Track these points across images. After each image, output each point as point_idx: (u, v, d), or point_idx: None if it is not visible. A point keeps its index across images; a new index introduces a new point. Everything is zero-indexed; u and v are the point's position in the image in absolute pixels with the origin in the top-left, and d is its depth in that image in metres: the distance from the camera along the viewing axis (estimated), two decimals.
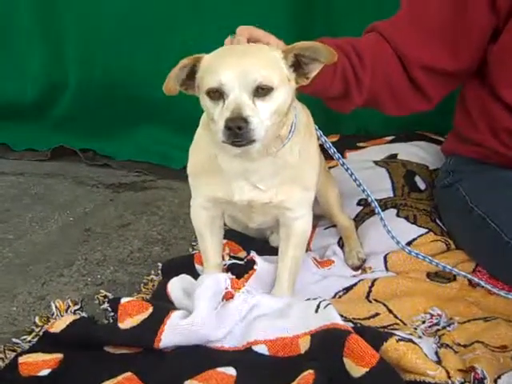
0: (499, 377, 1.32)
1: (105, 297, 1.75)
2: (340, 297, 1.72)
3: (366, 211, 2.06)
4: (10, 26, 3.24)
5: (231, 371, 1.34)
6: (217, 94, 1.36)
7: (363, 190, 1.71)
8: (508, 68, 1.75)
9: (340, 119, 2.62)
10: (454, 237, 1.93)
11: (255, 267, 1.71)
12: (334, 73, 1.69)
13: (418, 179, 2.23)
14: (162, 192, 2.74)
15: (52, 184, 2.87)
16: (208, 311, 1.46)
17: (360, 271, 1.86)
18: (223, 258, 1.79)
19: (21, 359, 1.42)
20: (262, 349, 1.43)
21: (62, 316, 1.62)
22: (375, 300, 1.67)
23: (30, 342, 1.58)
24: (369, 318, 1.59)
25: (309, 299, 1.55)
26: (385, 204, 2.05)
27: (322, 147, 1.74)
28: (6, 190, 2.81)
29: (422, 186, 2.20)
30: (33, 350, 1.49)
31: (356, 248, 1.92)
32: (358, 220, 2.05)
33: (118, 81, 3.07)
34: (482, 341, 1.46)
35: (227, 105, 1.33)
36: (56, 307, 1.65)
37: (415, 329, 1.54)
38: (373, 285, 1.73)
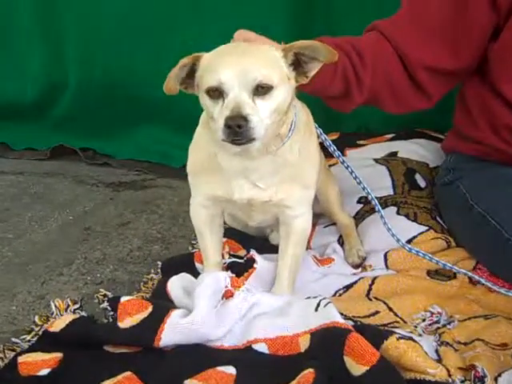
0: (499, 375, 1.32)
1: (104, 296, 1.75)
2: (340, 295, 1.72)
3: (366, 209, 2.06)
4: (9, 26, 3.24)
5: (231, 370, 1.34)
6: (216, 93, 1.36)
7: (363, 188, 1.71)
8: (509, 65, 1.75)
9: (340, 117, 2.61)
10: (454, 234, 1.93)
11: (255, 265, 1.71)
12: (334, 72, 1.68)
13: (418, 177, 2.23)
14: (162, 191, 2.74)
15: (52, 183, 2.87)
16: (208, 310, 1.45)
17: (360, 269, 1.86)
18: (223, 257, 1.79)
19: (20, 359, 1.42)
20: (261, 347, 1.42)
21: (61, 315, 1.62)
22: (375, 298, 1.67)
23: (29, 341, 1.57)
24: (369, 316, 1.58)
25: (309, 297, 1.55)
26: (385, 202, 2.05)
27: (321, 145, 1.74)
28: (5, 189, 2.80)
29: (422, 183, 2.20)
30: (32, 349, 1.49)
31: (356, 246, 1.92)
32: (358, 218, 2.04)
33: (118, 80, 3.07)
34: (483, 339, 1.45)
35: (227, 103, 1.33)
36: (55, 306, 1.65)
37: (415, 327, 1.54)
38: (373, 283, 1.72)
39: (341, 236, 1.99)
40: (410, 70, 1.79)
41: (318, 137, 1.68)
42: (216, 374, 1.33)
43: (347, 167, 1.72)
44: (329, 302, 1.47)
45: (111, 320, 1.59)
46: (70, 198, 2.68)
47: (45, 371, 1.40)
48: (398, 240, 1.70)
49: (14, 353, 1.50)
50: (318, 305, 1.47)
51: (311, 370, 1.26)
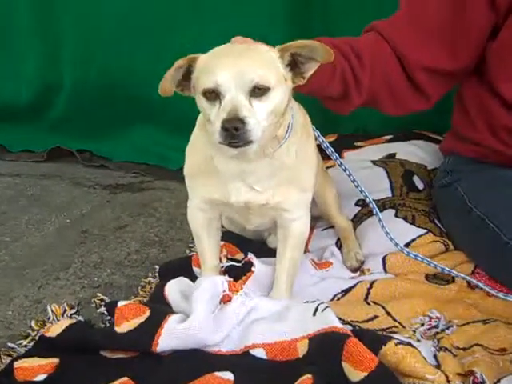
0: (498, 381, 1.31)
1: (101, 300, 1.74)
2: (338, 299, 1.71)
3: (364, 212, 2.05)
4: (5, 27, 3.23)
5: (228, 376, 1.33)
6: (213, 95, 1.35)
7: (361, 191, 1.71)
8: (507, 64, 1.75)
9: (338, 119, 2.60)
10: (452, 237, 1.92)
11: (253, 269, 1.70)
12: (332, 73, 1.67)
13: (416, 179, 2.22)
14: (159, 193, 2.73)
15: (48, 185, 2.86)
16: (205, 315, 1.45)
17: (358, 273, 1.85)
18: (220, 260, 1.78)
19: (16, 364, 1.41)
20: (259, 353, 1.42)
21: (58, 320, 1.61)
22: (374, 302, 1.66)
23: (25, 346, 1.57)
24: (367, 321, 1.58)
25: (307, 302, 1.54)
26: (383, 204, 2.04)
27: (319, 147, 1.73)
28: (2, 191, 2.80)
29: (420, 185, 2.19)
30: (29, 354, 1.48)
31: (354, 249, 1.91)
32: (356, 221, 2.03)
33: (115, 81, 3.06)
34: (481, 344, 1.45)
35: (224, 106, 1.32)
36: (52, 311, 1.64)
37: (414, 332, 1.53)
38: (371, 287, 1.72)
39: (339, 239, 1.98)
40: (409, 70, 1.78)
41: (316, 139, 1.67)
42: (213, 379, 1.32)
43: (345, 170, 1.72)
44: (327, 307, 1.47)
45: (108, 325, 1.58)
46: (66, 201, 2.68)
47: (41, 377, 1.39)
48: (397, 244, 1.69)
49: (10, 358, 1.50)
50: (316, 309, 1.46)
51: (309, 375, 1.26)
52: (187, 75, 1.42)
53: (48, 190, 2.81)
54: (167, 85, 1.41)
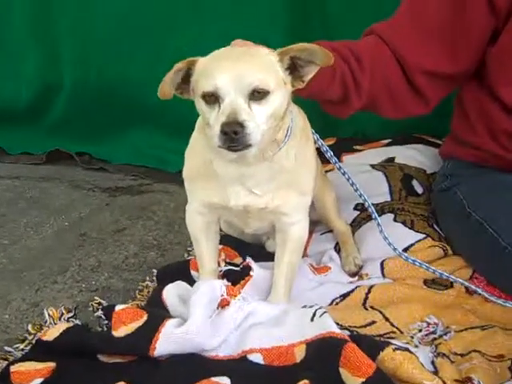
0: None
1: (99, 304, 1.73)
2: (337, 303, 1.71)
3: (362, 216, 2.05)
4: (4, 29, 3.23)
5: (225, 381, 1.33)
6: (212, 98, 1.35)
7: (360, 195, 1.70)
8: (507, 68, 1.75)
9: (337, 122, 2.60)
10: (451, 242, 1.92)
11: (251, 273, 1.70)
12: (332, 77, 1.67)
13: (415, 183, 2.22)
14: (158, 196, 2.73)
15: (47, 188, 2.86)
16: (203, 319, 1.44)
17: (357, 278, 1.85)
18: (219, 264, 1.77)
19: (13, 368, 1.41)
20: (257, 358, 1.41)
21: (55, 324, 1.61)
22: (372, 307, 1.65)
23: (22, 350, 1.57)
24: (365, 326, 1.57)
25: (305, 306, 1.53)
26: (382, 209, 2.03)
27: (318, 151, 1.72)
28: (1, 193, 2.80)
29: (419, 190, 2.19)
30: (25, 358, 1.48)
31: (353, 253, 1.90)
32: (355, 225, 2.03)
33: (114, 84, 3.06)
34: (479, 350, 1.44)
35: (223, 109, 1.32)
36: (49, 315, 1.64)
37: (412, 337, 1.52)
38: (369, 291, 1.71)
39: (337, 243, 1.98)
40: (408, 73, 1.78)
41: (315, 142, 1.67)
42: None
43: (344, 173, 1.71)
44: (325, 312, 1.46)
45: (105, 329, 1.57)
46: (65, 203, 2.67)
47: (38, 381, 1.39)
48: (395, 249, 1.69)
49: (6, 362, 1.49)
50: (314, 314, 1.46)
51: (306, 381, 1.26)
52: (186, 78, 1.42)
53: (47, 192, 2.81)
54: (166, 88, 1.40)
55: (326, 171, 2.11)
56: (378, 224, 1.69)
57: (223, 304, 1.51)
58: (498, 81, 1.77)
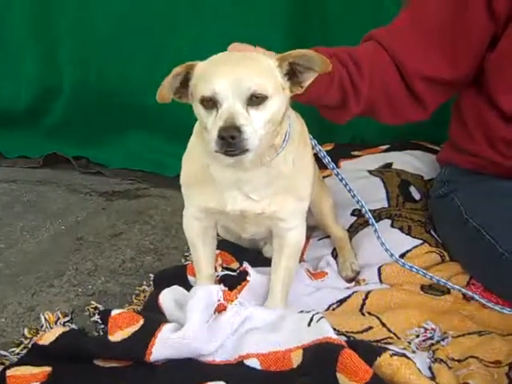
0: None
1: (95, 308, 1.74)
2: (334, 309, 1.70)
3: (360, 222, 2.05)
4: (3, 30, 3.22)
5: None
6: (210, 103, 1.35)
7: (357, 201, 1.70)
8: (506, 75, 1.75)
9: (335, 128, 2.60)
10: (448, 248, 1.91)
11: (248, 278, 1.70)
12: (330, 82, 1.67)
13: (412, 189, 2.22)
14: (155, 200, 2.72)
15: (44, 191, 2.85)
16: (200, 324, 1.44)
17: (354, 283, 1.84)
18: (216, 269, 1.77)
19: (9, 372, 1.41)
20: (253, 363, 1.41)
21: (51, 328, 1.61)
22: (369, 313, 1.65)
23: (18, 354, 1.56)
24: (362, 332, 1.57)
25: (302, 312, 1.53)
26: (379, 214, 2.03)
27: (316, 156, 1.72)
28: None
29: (416, 196, 2.19)
30: (21, 362, 1.48)
31: (350, 259, 1.90)
32: (352, 231, 2.03)
33: (112, 87, 3.05)
34: (477, 356, 1.44)
35: (220, 114, 1.32)
36: (45, 319, 1.64)
37: (409, 343, 1.52)
38: (366, 297, 1.71)
39: (335, 249, 1.97)
40: (407, 79, 1.78)
41: (313, 148, 1.67)
42: None
43: (341, 179, 1.71)
44: (322, 317, 1.46)
45: (102, 333, 1.57)
46: (62, 207, 2.66)
47: None
48: (392, 255, 1.69)
49: (2, 366, 1.49)
50: (311, 320, 1.45)
51: None
52: (185, 82, 1.42)
53: (44, 196, 2.79)
54: (165, 92, 1.40)
55: (324, 177, 2.11)
56: (375, 230, 1.69)
57: (220, 309, 1.51)
58: (497, 88, 1.78)
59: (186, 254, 2.03)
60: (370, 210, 1.71)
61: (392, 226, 1.99)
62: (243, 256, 1.85)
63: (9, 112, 3.26)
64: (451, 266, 1.85)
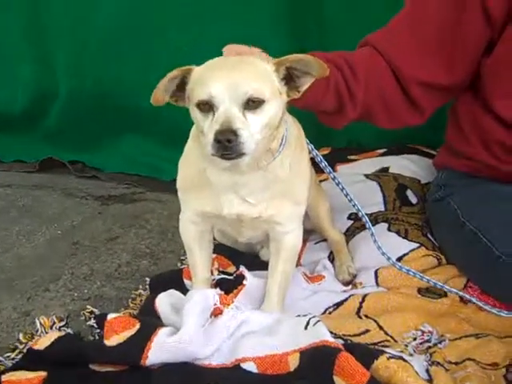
0: None
1: (91, 313, 1.73)
2: (330, 312, 1.70)
3: (356, 225, 2.05)
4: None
5: None
6: (207, 107, 1.35)
7: (354, 205, 1.70)
8: (502, 79, 1.75)
9: (331, 132, 2.60)
10: (445, 251, 1.91)
11: (244, 282, 1.70)
12: (326, 87, 1.68)
13: (409, 193, 2.22)
14: (151, 204, 2.72)
15: (40, 196, 2.85)
16: (196, 328, 1.43)
17: (350, 286, 1.84)
18: (212, 273, 1.77)
19: (4, 377, 1.40)
20: (250, 366, 1.40)
21: (46, 333, 1.59)
22: (366, 316, 1.65)
23: (13, 359, 1.55)
24: (359, 335, 1.57)
25: (299, 315, 1.53)
26: (376, 218, 2.03)
27: (312, 160, 1.72)
28: None
29: (413, 199, 2.19)
30: (16, 367, 1.47)
31: (347, 262, 1.90)
32: (349, 234, 2.03)
33: (109, 91, 3.05)
34: (474, 358, 1.44)
35: (217, 117, 1.32)
36: (41, 323, 1.62)
37: (406, 346, 1.52)
38: (363, 300, 1.71)
39: (331, 252, 1.97)
40: (404, 84, 1.78)
41: (309, 152, 1.67)
42: None
43: (338, 183, 1.71)
44: (318, 321, 1.45)
45: (97, 338, 1.56)
46: (58, 212, 2.66)
47: None
48: (389, 258, 1.69)
49: None
50: (308, 323, 1.45)
51: None
52: (182, 86, 1.42)
53: (39, 200, 2.79)
54: (159, 94, 1.40)
55: (320, 181, 2.11)
56: (372, 234, 1.69)
57: (216, 313, 1.50)
58: (493, 93, 1.78)
59: (183, 257, 2.03)
60: (366, 214, 1.71)
61: (389, 229, 1.99)
62: (240, 260, 1.85)
63: (5, 116, 3.27)
64: (448, 269, 1.85)
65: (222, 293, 1.58)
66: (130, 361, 1.42)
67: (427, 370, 1.39)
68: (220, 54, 1.50)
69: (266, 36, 2.49)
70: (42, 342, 1.48)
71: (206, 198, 1.56)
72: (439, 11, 1.75)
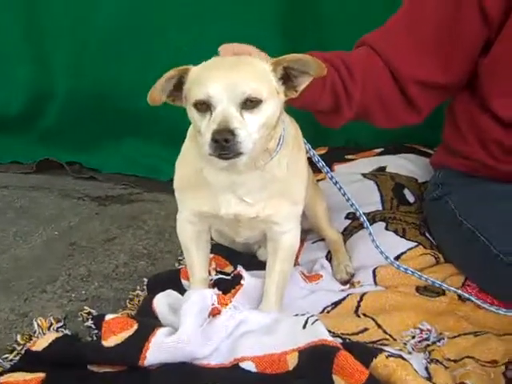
0: None
1: (89, 313, 1.72)
2: (328, 312, 1.70)
3: (354, 225, 2.05)
4: None
5: None
6: (204, 106, 1.35)
7: (351, 204, 1.70)
8: (499, 79, 1.76)
9: (328, 132, 2.59)
10: (443, 250, 1.92)
11: (242, 282, 1.69)
12: (323, 86, 1.68)
13: (406, 192, 2.22)
14: (149, 205, 2.71)
15: (37, 197, 2.84)
16: (194, 328, 1.43)
17: (348, 285, 1.84)
18: (210, 273, 1.77)
19: (2, 379, 1.39)
20: (249, 366, 1.40)
21: (44, 334, 1.59)
22: (364, 315, 1.65)
23: (11, 360, 1.54)
24: (357, 334, 1.57)
25: (297, 315, 1.53)
26: (373, 217, 2.03)
27: (309, 160, 1.72)
28: None
29: (410, 198, 2.19)
30: (14, 369, 1.46)
31: (344, 262, 1.90)
32: (347, 234, 2.03)
33: (105, 92, 3.04)
34: (473, 356, 1.44)
35: (214, 117, 1.32)
36: (38, 325, 1.62)
37: (405, 344, 1.52)
38: (361, 299, 1.71)
39: (329, 252, 1.97)
40: (401, 83, 1.79)
41: (307, 152, 1.67)
42: None
43: (336, 183, 1.71)
44: (317, 320, 1.45)
45: (95, 338, 1.56)
46: (55, 213, 2.65)
47: None
48: (387, 257, 1.69)
49: None
50: (306, 322, 1.45)
51: None
52: (179, 86, 1.42)
53: (36, 201, 2.78)
54: (156, 94, 1.40)
55: (318, 180, 2.11)
56: (370, 233, 1.69)
57: (214, 313, 1.50)
58: (491, 92, 1.78)
59: (180, 258, 2.02)
60: (364, 213, 1.71)
61: (386, 228, 1.98)
62: (237, 260, 1.85)
63: (1, 117, 3.26)
64: (446, 267, 1.85)
65: (220, 293, 1.58)
66: (129, 361, 1.41)
67: (426, 368, 1.40)
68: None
69: (265, 36, 2.49)
70: (40, 344, 1.48)
71: (203, 198, 1.56)
72: (437, 11, 1.76)
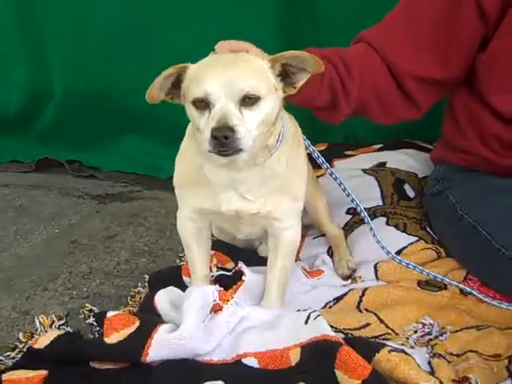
0: None
1: (90, 311, 1.72)
2: (330, 307, 1.70)
3: (355, 220, 2.05)
4: None
5: None
6: (203, 104, 1.35)
7: (352, 200, 1.70)
8: (497, 75, 1.76)
9: (328, 128, 2.60)
10: (444, 245, 1.92)
11: (243, 278, 1.69)
12: (321, 83, 1.68)
13: (407, 187, 2.22)
14: (149, 203, 2.71)
15: (37, 196, 2.84)
16: (196, 324, 1.43)
17: (350, 280, 1.84)
18: (211, 270, 1.77)
19: (4, 376, 1.39)
20: (251, 361, 1.40)
21: (46, 331, 1.59)
22: (366, 310, 1.65)
23: (13, 358, 1.55)
24: (359, 329, 1.57)
25: (299, 310, 1.53)
26: (374, 213, 2.03)
27: (309, 156, 1.72)
28: None
29: (411, 193, 2.19)
30: (16, 366, 1.46)
31: (346, 257, 1.90)
32: (348, 229, 2.03)
33: (104, 91, 3.04)
34: (476, 350, 1.44)
35: (213, 114, 1.32)
36: (40, 322, 1.62)
37: (407, 338, 1.52)
38: (363, 294, 1.71)
39: (330, 247, 1.97)
40: (399, 79, 1.79)
41: (306, 148, 1.67)
42: None
43: (335, 179, 1.71)
44: (319, 315, 1.45)
45: (97, 336, 1.56)
46: (55, 211, 2.65)
47: None
48: (388, 252, 1.69)
49: None
50: (308, 317, 1.45)
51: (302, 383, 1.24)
52: (177, 83, 1.42)
53: (36, 200, 2.78)
54: (154, 92, 1.40)
55: (318, 176, 2.11)
56: (371, 228, 1.69)
57: (216, 309, 1.50)
58: (489, 88, 1.78)
59: (181, 254, 2.02)
60: (364, 209, 1.71)
61: (387, 223, 1.99)
62: (238, 256, 1.85)
63: (1, 116, 3.26)
64: (447, 261, 1.85)
65: (222, 289, 1.58)
66: (131, 358, 1.42)
67: (429, 363, 1.40)
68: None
69: (265, 36, 2.47)
70: (42, 341, 1.48)
71: (204, 195, 1.56)
72: (434, 7, 1.76)
